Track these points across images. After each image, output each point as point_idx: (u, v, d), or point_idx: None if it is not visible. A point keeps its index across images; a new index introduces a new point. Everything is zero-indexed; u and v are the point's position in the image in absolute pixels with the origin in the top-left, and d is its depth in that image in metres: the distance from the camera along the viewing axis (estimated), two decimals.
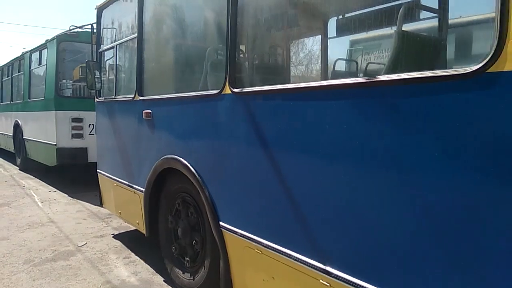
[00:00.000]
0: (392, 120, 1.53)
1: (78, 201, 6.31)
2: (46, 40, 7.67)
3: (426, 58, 1.90)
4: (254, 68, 2.85)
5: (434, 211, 1.42)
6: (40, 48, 7.92)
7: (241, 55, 2.47)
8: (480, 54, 1.84)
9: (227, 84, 2.39)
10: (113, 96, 4.10)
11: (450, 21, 1.96)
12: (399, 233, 1.55)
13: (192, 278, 3.02)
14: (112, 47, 4.11)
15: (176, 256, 3.23)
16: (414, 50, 1.81)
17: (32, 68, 8.53)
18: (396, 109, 1.51)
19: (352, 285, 1.70)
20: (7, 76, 10.65)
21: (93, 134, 7.00)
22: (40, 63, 8.02)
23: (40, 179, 8.07)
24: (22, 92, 8.95)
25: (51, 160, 7.17)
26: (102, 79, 4.40)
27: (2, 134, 10.92)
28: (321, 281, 1.84)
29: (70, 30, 7.01)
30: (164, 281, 3.40)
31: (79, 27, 6.97)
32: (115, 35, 4.20)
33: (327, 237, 1.86)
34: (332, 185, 1.80)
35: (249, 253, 2.31)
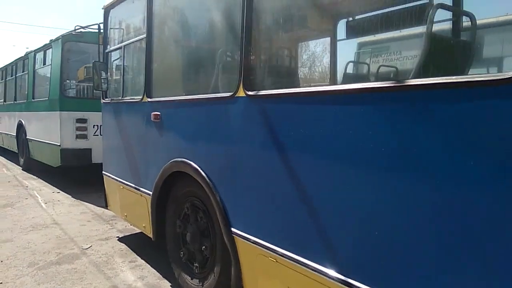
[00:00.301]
0: (423, 127, 1.46)
1: (82, 202, 6.25)
2: (50, 40, 7.63)
3: (457, 61, 1.84)
4: (269, 71, 2.78)
5: (475, 223, 1.34)
6: (44, 48, 7.88)
7: (256, 57, 2.40)
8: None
9: (241, 86, 2.32)
10: (120, 97, 4.04)
11: (479, 22, 1.90)
12: (429, 246, 1.48)
13: (201, 284, 2.96)
14: (120, 48, 4.05)
15: (185, 261, 3.16)
16: (444, 52, 1.75)
17: (36, 68, 8.49)
18: (427, 116, 1.45)
19: None
20: (11, 76, 10.61)
21: (97, 135, 6.97)
22: (44, 63, 7.98)
23: (44, 180, 8.02)
24: (26, 92, 8.91)
25: (55, 161, 7.12)
26: (108, 80, 4.34)
27: (6, 134, 10.88)
28: None
29: (75, 30, 6.96)
30: (171, 286, 3.33)
31: (84, 27, 6.92)
32: (123, 36, 4.15)
33: (347, 246, 1.79)
34: (355, 193, 1.73)
35: (263, 261, 2.24)
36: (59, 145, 6.88)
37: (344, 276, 1.76)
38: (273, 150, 2.15)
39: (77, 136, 6.93)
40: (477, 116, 1.31)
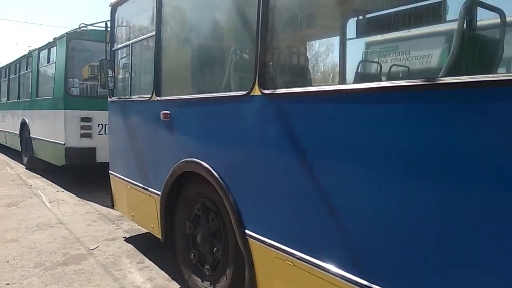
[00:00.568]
0: (454, 127, 1.40)
1: (87, 201, 6.20)
2: (54, 38, 7.59)
3: (490, 59, 1.78)
4: (286, 68, 2.72)
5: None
6: (49, 46, 7.82)
7: (272, 54, 2.34)
8: None
9: (256, 85, 2.26)
10: (128, 96, 3.98)
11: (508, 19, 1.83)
12: (459, 251, 1.42)
13: (212, 286, 2.90)
14: (127, 46, 3.99)
15: (195, 263, 3.11)
16: (477, 51, 1.69)
17: (40, 66, 8.44)
18: (458, 115, 1.38)
19: None
20: (14, 74, 10.56)
21: (102, 134, 6.93)
22: (49, 61, 7.92)
23: (47, 179, 7.96)
24: (30, 90, 8.86)
25: (59, 160, 7.07)
26: (116, 78, 4.28)
27: (9, 132, 10.84)
28: None
29: (80, 28, 6.90)
30: None
31: (89, 25, 6.86)
32: (131, 33, 4.09)
33: (372, 251, 1.73)
34: (380, 195, 1.67)
35: (279, 265, 2.18)
36: (64, 144, 6.83)
37: (368, 282, 1.70)
38: (292, 150, 2.08)
39: (82, 135, 6.87)
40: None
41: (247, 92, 2.33)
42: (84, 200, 6.30)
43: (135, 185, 3.85)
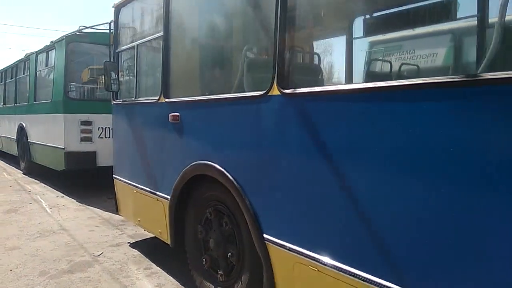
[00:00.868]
0: (499, 126, 1.33)
1: (88, 207, 6.08)
2: (51, 42, 7.49)
3: None
4: (307, 67, 2.65)
5: None
6: (47, 49, 7.70)
7: (292, 52, 2.26)
8: None
9: (275, 84, 2.19)
10: (133, 98, 3.89)
11: None
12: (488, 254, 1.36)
13: None
14: (133, 47, 3.90)
15: (207, 268, 3.02)
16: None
17: (38, 69, 8.31)
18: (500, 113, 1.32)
19: None
20: (11, 78, 10.42)
21: (102, 138, 6.83)
22: (47, 65, 7.80)
23: (46, 184, 7.84)
24: (27, 94, 8.73)
25: (59, 165, 6.95)
26: (120, 80, 4.19)
27: (5, 137, 10.68)
28: None
29: (79, 30, 6.80)
30: None
31: (89, 27, 6.77)
32: (136, 34, 4.01)
33: (404, 255, 1.66)
34: (408, 197, 1.61)
35: (302, 270, 2.10)
36: (64, 148, 6.71)
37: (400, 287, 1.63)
38: (315, 152, 2.01)
39: (82, 139, 6.75)
40: None
41: (264, 92, 2.25)
42: (84, 205, 6.18)
43: (142, 189, 3.76)
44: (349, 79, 3.16)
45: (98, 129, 6.86)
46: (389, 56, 4.16)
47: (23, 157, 9.06)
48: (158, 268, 3.72)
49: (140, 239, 4.55)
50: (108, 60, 4.28)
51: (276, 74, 2.18)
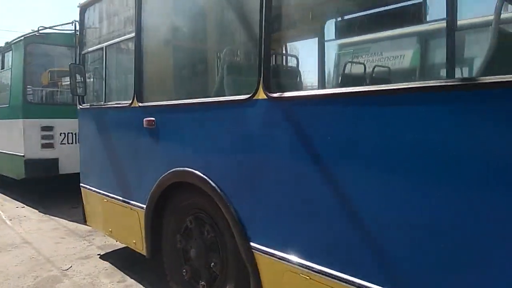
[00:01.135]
0: (492, 129, 1.33)
1: (51, 217, 5.76)
2: (6, 43, 7.06)
3: None
4: (296, 70, 2.59)
5: None
6: (3, 51, 7.25)
7: (279, 55, 2.21)
8: None
9: (261, 88, 2.12)
10: (102, 103, 3.70)
11: None
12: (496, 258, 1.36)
13: None
14: (101, 48, 3.71)
15: (188, 279, 2.90)
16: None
17: None
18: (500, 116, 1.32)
19: None
20: None
21: (65, 144, 6.51)
22: (3, 67, 7.34)
23: (3, 194, 7.36)
24: None
25: (19, 173, 6.54)
26: (87, 84, 3.98)
27: None
28: None
29: (38, 31, 6.44)
30: None
31: (48, 28, 6.43)
32: (103, 35, 3.81)
33: (397, 260, 1.64)
34: (398, 203, 1.60)
35: (292, 279, 2.04)
36: (23, 156, 6.32)
37: None
38: (303, 157, 1.96)
39: (43, 145, 6.39)
40: None
41: (250, 96, 2.18)
42: (48, 215, 5.85)
43: (114, 198, 3.57)
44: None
45: (60, 135, 6.52)
46: (361, 58, 4.21)
47: None
48: (133, 280, 3.55)
49: (110, 250, 4.34)
50: (74, 62, 4.06)
51: (262, 78, 2.11)
